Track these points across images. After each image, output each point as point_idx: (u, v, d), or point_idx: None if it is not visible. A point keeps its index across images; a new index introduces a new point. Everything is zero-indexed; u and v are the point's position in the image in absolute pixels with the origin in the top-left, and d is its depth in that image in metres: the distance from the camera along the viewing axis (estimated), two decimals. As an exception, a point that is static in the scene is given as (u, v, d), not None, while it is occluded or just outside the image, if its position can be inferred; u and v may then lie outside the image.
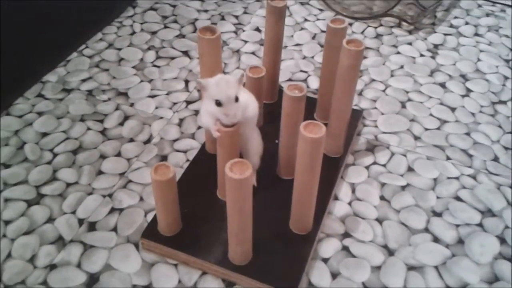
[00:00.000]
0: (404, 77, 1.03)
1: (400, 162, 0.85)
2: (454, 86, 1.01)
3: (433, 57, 1.08)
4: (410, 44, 1.11)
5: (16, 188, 0.79)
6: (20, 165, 0.82)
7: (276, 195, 0.75)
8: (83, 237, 0.73)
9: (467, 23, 1.18)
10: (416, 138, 0.89)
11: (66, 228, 0.74)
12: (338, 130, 0.79)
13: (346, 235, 0.74)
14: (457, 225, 0.76)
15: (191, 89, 0.98)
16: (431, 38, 1.13)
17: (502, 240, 0.74)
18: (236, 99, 0.63)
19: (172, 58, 1.06)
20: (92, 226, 0.74)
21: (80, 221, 0.75)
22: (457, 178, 0.83)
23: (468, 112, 0.95)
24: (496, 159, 0.86)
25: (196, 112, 0.93)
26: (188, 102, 0.95)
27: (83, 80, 0.99)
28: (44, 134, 0.88)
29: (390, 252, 0.72)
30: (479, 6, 1.24)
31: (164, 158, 0.85)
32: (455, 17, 1.20)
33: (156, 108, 0.94)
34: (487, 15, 1.21)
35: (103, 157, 0.84)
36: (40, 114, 0.92)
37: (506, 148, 0.88)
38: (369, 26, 1.17)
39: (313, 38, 1.13)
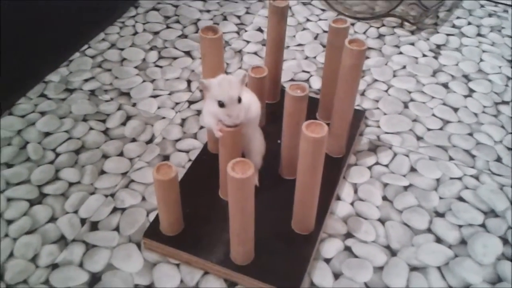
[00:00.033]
0: (406, 77, 1.02)
1: (403, 163, 0.85)
2: (457, 86, 1.00)
3: (435, 58, 1.08)
4: (412, 44, 1.11)
5: (19, 188, 0.79)
6: (22, 165, 0.82)
7: (278, 195, 0.75)
8: (85, 237, 0.73)
9: (469, 24, 1.18)
10: (419, 138, 0.89)
11: (68, 227, 0.74)
12: (340, 130, 0.79)
13: (349, 235, 0.74)
14: (460, 226, 0.75)
15: (194, 89, 0.98)
16: (434, 39, 1.13)
17: (505, 241, 0.74)
18: (239, 100, 0.63)
19: (175, 58, 1.06)
20: (94, 226, 0.74)
21: (82, 221, 0.75)
22: (459, 178, 0.82)
23: (471, 112, 0.95)
24: (499, 159, 0.86)
25: (198, 112, 0.93)
26: (191, 102, 0.95)
27: (86, 80, 0.99)
28: (47, 134, 0.88)
29: (393, 253, 0.72)
30: (482, 6, 1.24)
31: (166, 158, 0.85)
32: (458, 18, 1.20)
33: (159, 108, 0.94)
34: (490, 15, 1.21)
35: (105, 157, 0.84)
36: (42, 114, 0.92)
37: (508, 149, 0.88)
38: (371, 26, 1.16)
39: (315, 38, 1.13)
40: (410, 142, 0.88)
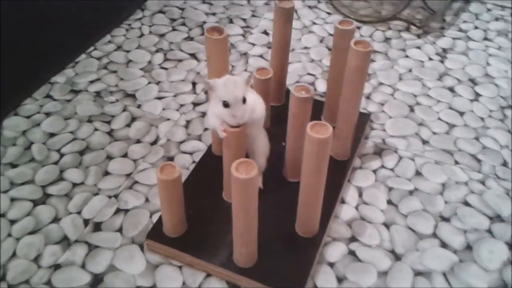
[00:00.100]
0: (412, 81, 1.02)
1: (408, 166, 0.84)
2: (463, 90, 1.00)
3: (441, 61, 1.07)
4: (418, 48, 1.11)
5: (23, 188, 0.79)
6: (27, 165, 0.82)
7: (282, 197, 0.74)
8: (88, 238, 0.72)
9: (476, 27, 1.17)
10: (425, 142, 0.89)
11: (71, 228, 0.74)
12: (346, 133, 0.78)
13: (353, 239, 0.73)
14: (465, 231, 0.75)
15: (198, 91, 0.98)
16: (440, 42, 1.12)
17: (510, 246, 0.73)
18: (244, 100, 0.63)
19: (180, 61, 1.06)
20: (97, 227, 0.74)
21: (86, 222, 0.74)
22: (465, 183, 0.82)
23: (477, 116, 0.94)
24: (505, 164, 0.85)
25: (203, 114, 0.93)
26: (195, 104, 0.95)
27: (91, 82, 1.00)
28: (52, 135, 0.88)
29: (397, 257, 0.71)
30: (488, 10, 1.23)
31: (170, 159, 0.84)
32: (464, 21, 1.19)
33: (163, 109, 0.94)
34: (496, 19, 1.20)
35: (109, 158, 0.84)
36: (48, 114, 0.92)
37: (515, 153, 0.87)
38: (377, 29, 1.16)
39: (321, 41, 1.12)
40: (415, 146, 0.88)
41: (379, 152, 0.87)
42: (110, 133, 0.89)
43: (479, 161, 0.85)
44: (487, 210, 0.78)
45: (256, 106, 0.67)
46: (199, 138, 0.88)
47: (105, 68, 1.03)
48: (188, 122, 0.91)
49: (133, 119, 0.92)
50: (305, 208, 0.68)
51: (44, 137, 0.87)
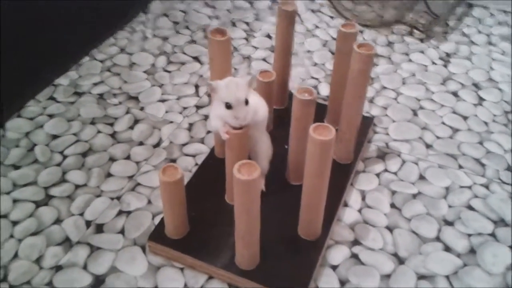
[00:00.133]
0: (415, 85, 1.02)
1: (412, 170, 0.84)
2: (467, 94, 1.00)
3: (445, 66, 1.07)
4: (422, 52, 1.11)
5: (25, 189, 0.79)
6: (30, 167, 0.82)
7: (284, 200, 0.74)
8: (90, 239, 0.72)
9: (479, 32, 1.17)
10: (428, 146, 0.88)
11: (73, 229, 0.73)
12: (349, 136, 0.78)
13: (356, 242, 0.73)
14: (469, 235, 0.74)
15: (201, 94, 0.98)
16: (443, 47, 1.12)
17: (515, 250, 0.72)
18: (246, 102, 0.63)
19: (183, 64, 1.06)
20: (99, 228, 0.74)
21: (88, 223, 0.74)
22: (469, 187, 0.81)
23: (480, 121, 0.94)
24: (509, 168, 0.85)
25: (206, 117, 0.93)
26: (198, 107, 0.95)
27: (95, 84, 1.00)
28: (55, 137, 0.88)
29: (400, 261, 0.71)
30: (492, 15, 1.23)
31: (173, 162, 0.84)
32: (468, 26, 1.19)
33: (166, 112, 0.94)
34: (500, 24, 1.20)
35: (112, 159, 0.84)
36: (51, 116, 0.92)
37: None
38: (380, 34, 1.16)
39: (324, 45, 1.12)
40: (419, 150, 0.87)
41: (382, 156, 0.86)
42: (113, 135, 0.89)
43: (483, 165, 0.85)
44: (491, 214, 0.77)
45: (259, 108, 0.67)
46: (202, 140, 0.88)
47: (108, 71, 1.03)
48: (191, 124, 0.91)
49: (136, 121, 0.92)
50: (307, 210, 0.67)
51: (47, 139, 0.87)
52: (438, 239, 0.73)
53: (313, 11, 1.24)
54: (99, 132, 0.89)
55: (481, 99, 0.99)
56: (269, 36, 1.14)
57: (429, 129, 0.92)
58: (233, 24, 1.18)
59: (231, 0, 1.26)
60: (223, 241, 0.69)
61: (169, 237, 0.69)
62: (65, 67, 1.03)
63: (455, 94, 1.00)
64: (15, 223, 0.74)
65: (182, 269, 0.69)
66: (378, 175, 0.83)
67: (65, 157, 0.84)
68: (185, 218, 0.69)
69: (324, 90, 0.99)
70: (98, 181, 0.81)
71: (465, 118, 0.94)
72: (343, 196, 0.77)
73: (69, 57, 1.04)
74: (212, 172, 0.79)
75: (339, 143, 0.79)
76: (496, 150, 0.88)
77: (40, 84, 0.98)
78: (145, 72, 1.03)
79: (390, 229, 0.75)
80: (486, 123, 0.93)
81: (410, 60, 1.08)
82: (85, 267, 0.69)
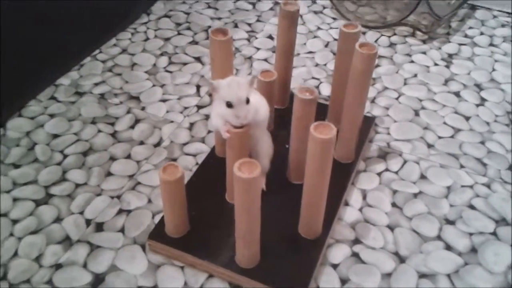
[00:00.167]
0: (417, 85, 1.01)
1: (413, 170, 0.84)
2: (469, 95, 0.99)
3: (447, 66, 1.07)
4: (424, 53, 1.10)
5: (25, 188, 0.79)
6: (30, 166, 0.82)
7: (285, 199, 0.74)
8: (90, 238, 0.72)
9: (482, 33, 1.17)
10: (430, 146, 0.88)
11: (73, 228, 0.73)
12: (350, 134, 0.78)
13: (356, 241, 0.73)
14: (471, 234, 0.74)
15: (203, 94, 0.98)
16: (446, 48, 1.12)
17: (517, 250, 0.72)
18: (247, 101, 0.63)
19: (185, 64, 1.06)
20: (99, 227, 0.74)
21: (88, 222, 0.74)
22: (471, 186, 0.81)
23: (482, 121, 0.93)
24: (510, 168, 0.84)
25: (207, 117, 0.93)
26: (199, 107, 0.95)
27: (96, 84, 1.00)
28: (55, 136, 0.88)
29: (401, 260, 0.70)
30: (495, 17, 1.23)
31: (173, 161, 0.84)
32: (470, 27, 1.19)
33: (167, 112, 0.94)
34: (503, 25, 1.20)
35: (112, 159, 0.84)
36: (52, 116, 0.92)
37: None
38: (382, 35, 1.16)
39: (326, 46, 1.12)
40: (420, 150, 0.87)
41: (383, 155, 0.86)
42: (113, 134, 0.89)
43: (484, 165, 0.85)
44: (493, 214, 0.77)
45: (260, 107, 0.67)
46: (202, 140, 0.88)
47: (110, 71, 1.03)
48: (191, 124, 0.91)
49: (137, 121, 0.91)
50: (308, 209, 0.67)
51: (47, 138, 0.87)
52: (439, 238, 0.73)
53: (315, 12, 1.24)
54: (99, 131, 0.89)
55: (483, 99, 0.98)
56: (271, 37, 1.14)
57: (430, 129, 0.91)
58: (235, 25, 1.18)
59: (233, 1, 1.26)
60: (224, 240, 0.68)
61: (169, 235, 0.69)
62: (67, 67, 1.03)
63: (457, 94, 0.99)
64: (15, 221, 0.74)
65: (182, 268, 0.69)
66: (379, 174, 0.83)
67: (65, 156, 0.84)
68: (185, 217, 0.68)
69: (326, 90, 0.99)
70: (99, 180, 0.80)
71: (467, 118, 0.94)
72: (344, 195, 0.77)
73: (71, 58, 1.04)
74: (212, 171, 0.79)
75: (340, 142, 0.79)
76: (498, 150, 0.87)
77: (41, 84, 0.98)
78: (146, 72, 1.03)
79: (391, 228, 0.74)
80: (488, 123, 0.93)
81: (412, 61, 1.08)
82: (85, 266, 0.69)
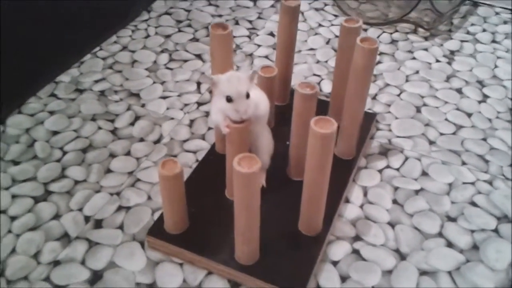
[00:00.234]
0: (419, 82, 1.01)
1: (414, 166, 0.83)
2: (471, 91, 0.99)
3: (449, 63, 1.06)
4: (426, 50, 1.10)
5: (24, 185, 0.78)
6: (29, 162, 0.82)
7: (285, 196, 0.73)
8: (89, 234, 0.72)
9: (484, 30, 1.16)
10: (431, 142, 0.87)
11: (72, 225, 0.73)
12: (351, 130, 0.77)
13: (357, 238, 0.72)
14: (472, 231, 0.73)
15: (203, 91, 0.98)
16: (448, 45, 1.11)
17: (519, 247, 0.71)
18: (247, 96, 0.63)
19: (185, 61, 1.05)
20: (98, 224, 0.73)
21: (87, 218, 0.74)
22: (472, 183, 0.80)
23: (484, 117, 0.93)
24: (513, 165, 0.84)
25: (207, 114, 0.92)
26: (199, 104, 0.95)
27: (96, 81, 0.99)
28: (55, 133, 0.88)
29: (402, 257, 0.70)
30: (497, 13, 1.22)
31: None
32: (472, 24, 1.18)
33: (167, 109, 0.93)
34: (505, 22, 1.19)
35: (112, 156, 0.84)
36: (51, 113, 0.92)
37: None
38: (384, 32, 1.15)
39: (327, 43, 1.12)
40: (422, 146, 0.86)
41: (384, 152, 0.85)
42: (113, 131, 0.88)
43: (486, 161, 0.84)
44: (494, 210, 0.76)
45: (260, 102, 0.67)
46: (202, 137, 0.88)
47: (110, 68, 1.03)
48: (192, 121, 0.91)
49: (137, 118, 0.91)
50: (308, 205, 0.67)
51: (47, 135, 0.87)
52: (440, 235, 0.72)
53: (316, 9, 1.23)
54: (99, 128, 0.89)
55: (485, 96, 0.98)
56: (272, 34, 1.14)
57: (432, 125, 0.91)
58: (236, 22, 1.18)
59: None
60: (223, 237, 0.68)
61: (168, 232, 0.69)
62: (67, 64, 1.03)
63: (459, 91, 0.99)
64: (13, 218, 0.74)
65: (181, 265, 0.68)
66: (380, 171, 0.82)
67: (65, 153, 0.84)
68: (184, 213, 0.68)
69: (327, 87, 0.99)
70: (98, 177, 0.80)
71: (469, 115, 0.93)
72: (344, 191, 0.76)
73: (71, 55, 1.04)
74: (212, 167, 0.78)
75: (341, 138, 0.78)
76: (500, 147, 0.87)
77: (41, 81, 0.98)
78: (146, 69, 1.03)
79: (392, 225, 0.74)
80: (490, 120, 0.92)
81: (413, 58, 1.07)
82: (83, 262, 0.68)
